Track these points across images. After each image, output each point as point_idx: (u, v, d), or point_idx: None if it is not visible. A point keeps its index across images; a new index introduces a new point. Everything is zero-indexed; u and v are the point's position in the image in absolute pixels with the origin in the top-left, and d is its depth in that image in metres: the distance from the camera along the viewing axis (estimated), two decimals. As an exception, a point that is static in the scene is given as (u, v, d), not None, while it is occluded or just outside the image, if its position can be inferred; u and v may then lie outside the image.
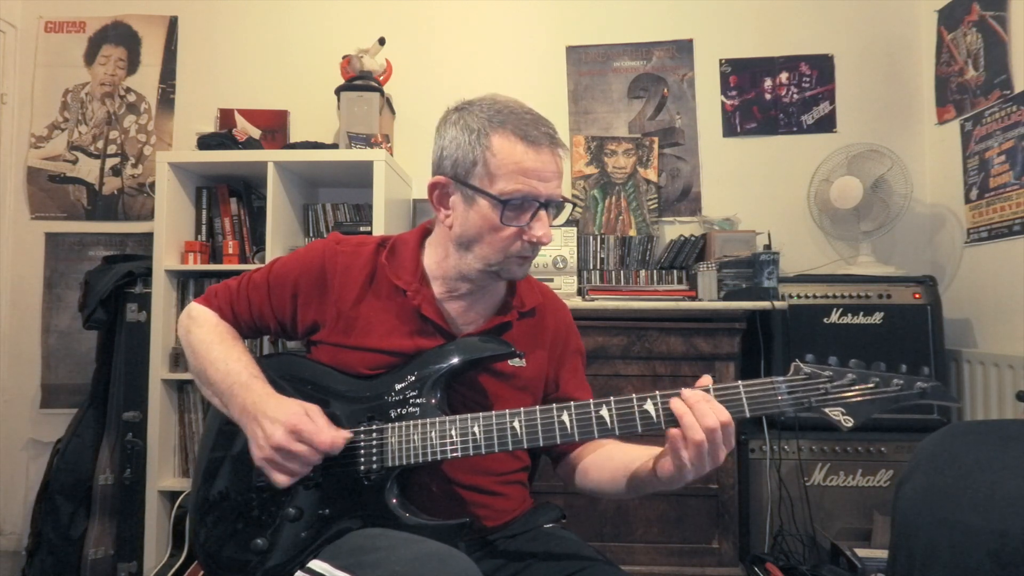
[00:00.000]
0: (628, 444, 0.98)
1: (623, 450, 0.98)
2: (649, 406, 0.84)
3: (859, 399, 0.82)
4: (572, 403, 0.87)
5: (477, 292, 1.02)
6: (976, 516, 0.96)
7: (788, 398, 0.82)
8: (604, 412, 0.85)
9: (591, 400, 0.87)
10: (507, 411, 0.88)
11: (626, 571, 0.95)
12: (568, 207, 2.11)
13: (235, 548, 0.93)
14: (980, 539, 0.95)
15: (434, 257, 1.02)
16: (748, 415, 0.82)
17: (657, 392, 0.85)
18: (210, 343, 1.00)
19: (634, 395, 0.85)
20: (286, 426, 0.84)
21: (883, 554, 1.68)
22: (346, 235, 1.08)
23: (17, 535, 2.43)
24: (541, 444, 0.87)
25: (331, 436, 0.85)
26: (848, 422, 0.82)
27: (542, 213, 0.92)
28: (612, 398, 0.86)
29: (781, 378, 0.83)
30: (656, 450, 0.89)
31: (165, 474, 2.11)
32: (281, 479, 0.85)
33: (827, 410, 0.82)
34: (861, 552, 1.79)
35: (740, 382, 0.83)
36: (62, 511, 2.12)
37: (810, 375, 0.83)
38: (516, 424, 0.87)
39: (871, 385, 0.82)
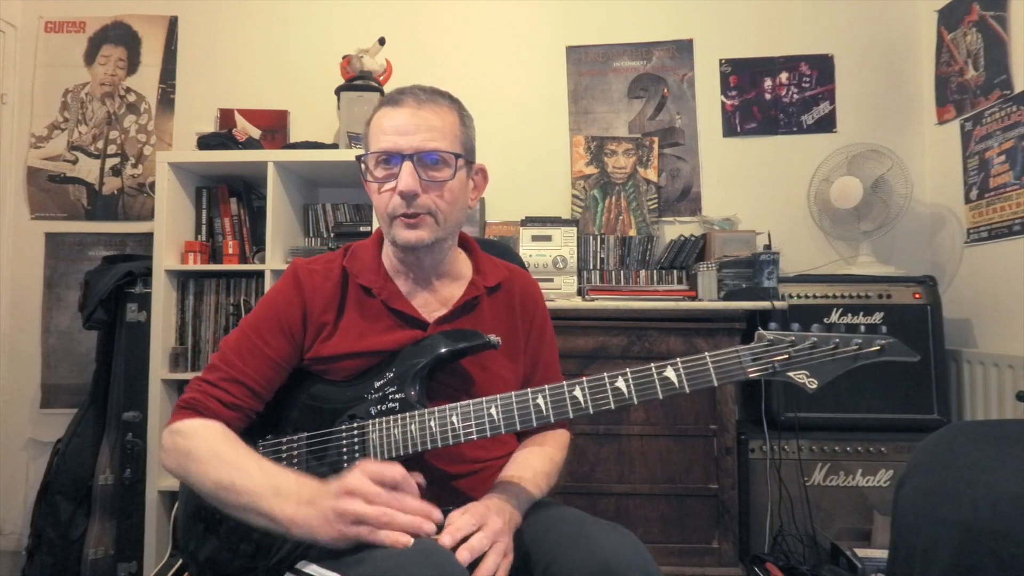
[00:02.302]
0: (529, 458, 1.03)
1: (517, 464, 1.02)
2: (621, 383, 0.87)
3: (821, 361, 0.85)
4: (547, 387, 0.89)
5: (431, 273, 1.04)
6: (976, 516, 0.96)
7: (753, 365, 0.85)
8: (578, 392, 0.87)
9: (564, 382, 0.89)
10: (484, 399, 0.90)
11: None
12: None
13: (223, 550, 0.93)
14: (980, 539, 0.95)
15: (387, 251, 1.05)
16: (716, 384, 0.85)
17: (628, 370, 0.87)
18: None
19: (606, 374, 0.87)
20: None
21: (883, 554, 1.68)
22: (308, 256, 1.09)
23: (17, 535, 2.43)
24: (519, 428, 0.89)
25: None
26: (813, 384, 0.85)
27: (406, 165, 0.93)
28: (584, 378, 0.88)
29: (745, 347, 0.86)
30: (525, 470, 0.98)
31: (165, 474, 2.11)
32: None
33: (791, 374, 0.85)
34: (861, 552, 1.79)
35: (707, 353, 0.86)
36: (62, 511, 2.12)
37: (773, 341, 0.86)
38: (493, 411, 0.89)
39: (831, 346, 0.85)
